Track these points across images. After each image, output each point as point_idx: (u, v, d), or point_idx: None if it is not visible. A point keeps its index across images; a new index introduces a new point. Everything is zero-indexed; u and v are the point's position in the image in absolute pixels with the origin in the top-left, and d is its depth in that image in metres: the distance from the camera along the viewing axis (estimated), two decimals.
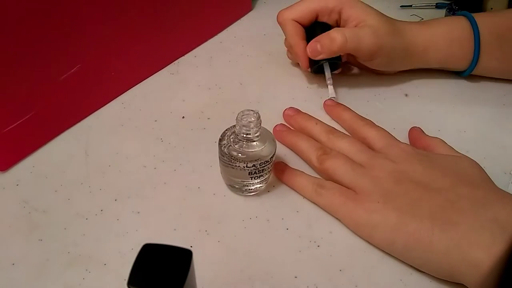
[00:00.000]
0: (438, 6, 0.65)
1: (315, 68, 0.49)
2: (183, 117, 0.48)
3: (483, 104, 0.49)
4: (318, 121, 0.45)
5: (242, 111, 0.36)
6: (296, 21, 0.48)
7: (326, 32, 0.46)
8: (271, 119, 0.47)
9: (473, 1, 0.59)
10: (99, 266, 0.35)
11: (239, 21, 0.62)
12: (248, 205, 0.39)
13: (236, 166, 0.36)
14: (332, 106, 0.47)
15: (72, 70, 0.44)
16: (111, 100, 0.49)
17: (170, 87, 0.51)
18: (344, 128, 0.46)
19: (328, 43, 0.46)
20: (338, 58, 0.48)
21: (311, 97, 0.50)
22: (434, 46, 0.48)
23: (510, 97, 0.50)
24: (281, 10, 0.49)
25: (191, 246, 0.36)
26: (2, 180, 0.41)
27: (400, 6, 0.66)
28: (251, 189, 0.39)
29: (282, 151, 0.44)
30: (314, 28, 0.49)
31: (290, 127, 0.46)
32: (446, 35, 0.48)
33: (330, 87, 0.49)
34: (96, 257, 0.35)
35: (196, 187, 0.41)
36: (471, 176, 0.36)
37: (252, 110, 0.36)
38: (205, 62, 0.55)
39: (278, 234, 0.37)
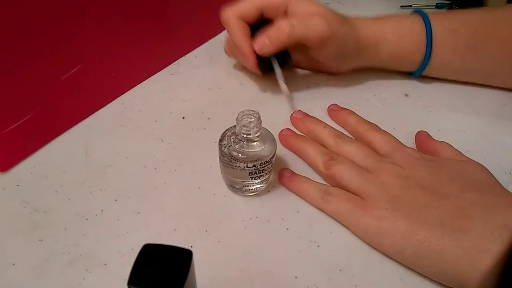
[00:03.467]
0: (438, 6, 0.65)
1: (264, 67, 0.47)
2: (183, 117, 0.48)
3: (483, 104, 0.49)
4: (326, 125, 0.44)
5: (242, 111, 0.36)
6: (241, 19, 0.46)
7: (271, 25, 0.45)
8: (272, 119, 0.47)
9: (473, 1, 0.59)
10: (99, 266, 0.35)
11: None
12: (248, 205, 0.39)
13: (236, 166, 0.36)
14: (336, 110, 0.47)
15: (73, 71, 0.44)
16: (112, 101, 0.49)
17: (170, 87, 0.51)
18: (349, 132, 0.45)
19: (276, 34, 0.44)
20: (287, 53, 0.47)
21: (311, 97, 0.50)
22: (385, 39, 0.47)
23: (510, 96, 0.50)
24: (226, 8, 0.47)
25: (191, 246, 0.36)
26: (3, 181, 0.41)
27: (400, 6, 0.65)
28: (252, 189, 0.39)
29: (282, 151, 0.44)
30: (259, 25, 0.47)
31: (297, 130, 0.46)
32: (396, 28, 0.48)
33: (282, 84, 0.47)
34: (96, 257, 0.35)
35: (196, 187, 0.41)
36: (479, 181, 0.36)
37: (252, 110, 0.36)
38: (205, 62, 0.55)
39: (278, 234, 0.37)
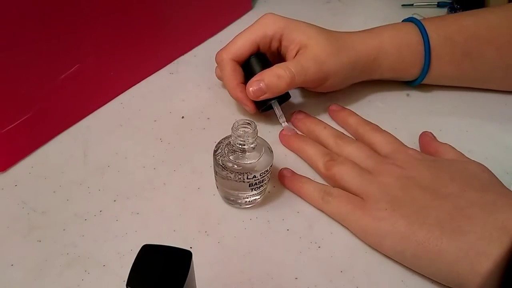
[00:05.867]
0: (439, 5, 0.65)
1: (262, 106, 0.45)
2: (182, 117, 0.47)
3: (485, 104, 0.49)
4: (327, 125, 0.44)
5: (237, 121, 0.35)
6: (236, 60, 0.44)
7: (270, 69, 0.43)
8: (272, 119, 0.46)
9: (474, 0, 0.59)
10: (98, 267, 0.34)
11: (239, 20, 0.62)
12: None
13: (230, 178, 0.35)
14: (337, 111, 0.47)
15: (71, 70, 0.44)
16: (110, 100, 0.49)
17: (169, 86, 0.51)
18: (350, 133, 0.45)
19: (275, 82, 0.42)
20: (287, 93, 0.44)
21: (311, 97, 0.50)
22: (384, 53, 0.46)
23: None
24: (220, 50, 0.45)
25: (190, 247, 0.35)
26: (1, 181, 0.40)
27: (402, 5, 0.65)
28: (248, 201, 0.38)
29: (282, 151, 0.44)
30: (249, 63, 0.45)
31: (298, 130, 0.45)
32: (394, 40, 0.46)
33: (286, 126, 0.44)
34: (95, 258, 0.35)
35: (196, 188, 0.40)
36: (480, 181, 0.36)
37: (248, 120, 0.35)
38: (205, 61, 0.55)
39: (279, 235, 0.37)
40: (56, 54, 0.42)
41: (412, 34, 0.46)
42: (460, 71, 0.48)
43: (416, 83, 0.49)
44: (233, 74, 0.44)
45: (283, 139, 0.44)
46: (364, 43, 0.46)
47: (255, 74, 0.43)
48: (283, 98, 0.45)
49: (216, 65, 0.48)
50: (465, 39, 0.46)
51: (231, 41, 0.45)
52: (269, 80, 0.42)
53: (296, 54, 0.44)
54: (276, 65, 0.43)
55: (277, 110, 0.45)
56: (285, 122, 0.44)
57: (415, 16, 0.63)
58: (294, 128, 0.45)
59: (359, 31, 0.47)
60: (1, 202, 0.39)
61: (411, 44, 0.46)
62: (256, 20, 0.45)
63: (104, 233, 0.37)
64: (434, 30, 0.46)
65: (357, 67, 0.46)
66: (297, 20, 0.45)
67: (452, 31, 0.46)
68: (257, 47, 0.45)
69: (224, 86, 0.46)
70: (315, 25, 0.45)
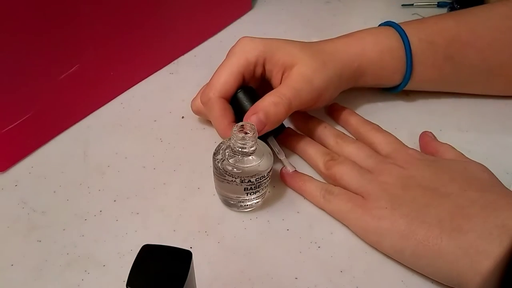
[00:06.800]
0: (439, 5, 0.65)
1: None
2: (182, 117, 0.47)
3: (485, 103, 0.49)
4: (327, 125, 0.44)
5: (237, 124, 0.35)
6: (223, 97, 0.40)
7: (262, 100, 0.39)
8: None
9: (474, 0, 0.59)
10: (98, 267, 0.34)
11: (239, 20, 0.62)
12: None
13: (231, 181, 0.35)
14: (337, 110, 0.47)
15: (71, 70, 0.44)
16: (110, 100, 0.49)
17: (169, 86, 0.51)
18: (350, 133, 0.45)
19: (274, 110, 0.38)
20: (281, 124, 0.41)
21: None
22: (367, 60, 0.44)
23: None
24: (205, 88, 0.42)
25: (190, 247, 0.35)
26: (1, 181, 0.40)
27: (402, 5, 0.65)
28: (247, 205, 0.38)
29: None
30: (237, 100, 0.41)
31: (298, 130, 0.45)
32: (375, 46, 0.44)
33: (286, 161, 0.40)
34: (95, 258, 0.35)
35: (195, 188, 0.40)
36: (480, 181, 0.36)
37: (248, 123, 0.35)
38: (205, 61, 0.55)
39: (279, 235, 0.37)
40: (56, 54, 0.42)
41: (392, 40, 0.45)
42: (442, 74, 0.46)
43: (398, 90, 0.47)
44: (223, 113, 0.40)
45: (284, 140, 0.44)
46: (347, 51, 0.44)
47: (246, 110, 0.39)
48: (278, 131, 0.41)
49: (194, 100, 0.45)
50: (446, 42, 0.45)
51: (214, 76, 0.41)
52: (267, 110, 0.38)
53: (282, 77, 0.42)
54: (267, 94, 0.39)
55: (275, 146, 0.40)
56: (284, 157, 0.40)
57: (415, 16, 0.63)
58: (295, 167, 0.41)
59: (340, 37, 0.45)
60: (1, 202, 0.39)
61: (392, 50, 0.44)
62: (233, 48, 0.42)
63: (104, 233, 0.37)
64: (414, 34, 0.45)
65: (343, 76, 0.43)
66: (277, 39, 0.42)
67: (433, 34, 0.45)
68: (242, 77, 0.41)
69: (214, 127, 0.42)
70: (296, 41, 0.43)
